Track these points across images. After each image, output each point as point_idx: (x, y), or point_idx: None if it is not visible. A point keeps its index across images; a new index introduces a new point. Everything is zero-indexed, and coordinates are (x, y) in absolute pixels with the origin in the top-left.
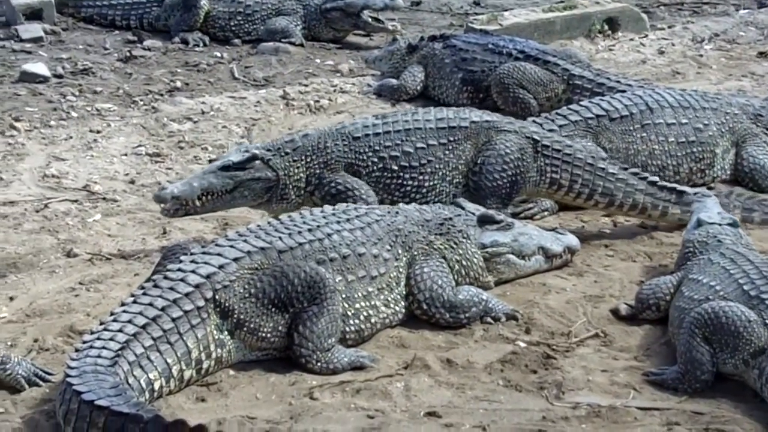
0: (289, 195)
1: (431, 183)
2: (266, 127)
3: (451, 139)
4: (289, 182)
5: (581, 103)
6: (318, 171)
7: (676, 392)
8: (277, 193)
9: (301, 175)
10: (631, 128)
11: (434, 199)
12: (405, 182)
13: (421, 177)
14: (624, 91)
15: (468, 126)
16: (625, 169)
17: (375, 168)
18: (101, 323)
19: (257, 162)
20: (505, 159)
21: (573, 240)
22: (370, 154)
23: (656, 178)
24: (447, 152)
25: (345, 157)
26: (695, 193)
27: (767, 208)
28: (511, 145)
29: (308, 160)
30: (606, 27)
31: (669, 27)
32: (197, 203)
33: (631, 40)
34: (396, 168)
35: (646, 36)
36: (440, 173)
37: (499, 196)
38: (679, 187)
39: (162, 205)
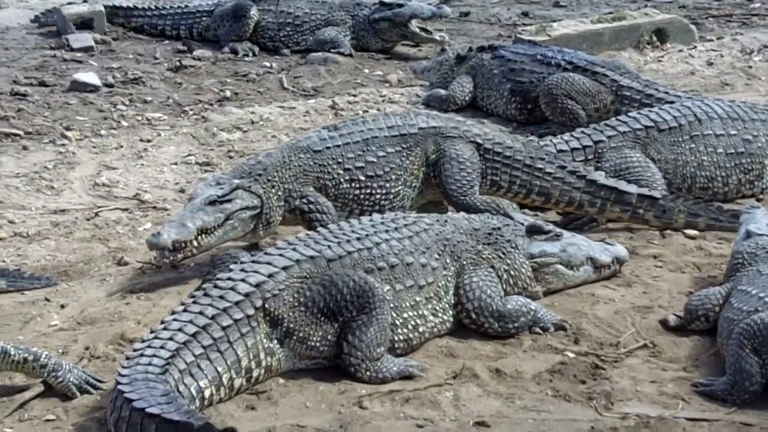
0: (273, 217)
1: (396, 189)
2: None
3: (404, 146)
4: (272, 204)
5: (630, 114)
6: (290, 186)
7: (725, 403)
8: (262, 219)
9: (279, 194)
10: (680, 139)
11: (399, 204)
12: (374, 191)
13: (387, 184)
14: (672, 103)
15: (416, 132)
16: (563, 167)
17: (342, 180)
18: (152, 331)
19: (240, 191)
20: (459, 160)
21: (621, 250)
22: (335, 166)
23: (598, 177)
24: (403, 158)
25: (311, 170)
26: (638, 195)
27: (712, 213)
28: (460, 148)
29: (280, 177)
30: (655, 38)
31: (718, 38)
32: (194, 243)
33: (680, 51)
34: (363, 178)
35: (695, 47)
36: (402, 179)
37: (469, 197)
38: (621, 188)
39: (159, 252)
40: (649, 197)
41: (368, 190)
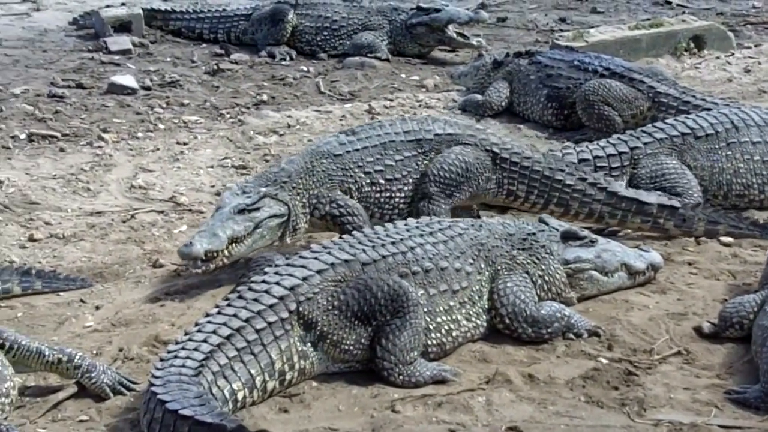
0: (299, 224)
1: (415, 194)
2: None
3: (420, 150)
4: (298, 212)
5: (667, 120)
6: (315, 191)
7: (759, 411)
8: (289, 226)
9: (304, 200)
10: (717, 146)
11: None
12: (393, 194)
13: (406, 188)
14: (709, 110)
15: (432, 138)
16: (584, 179)
17: (363, 183)
18: (186, 333)
19: (267, 199)
20: (452, 167)
21: (656, 257)
22: (356, 169)
23: (618, 188)
24: (419, 163)
25: (335, 174)
26: (658, 205)
27: (732, 221)
28: (464, 156)
29: (305, 183)
30: (692, 45)
31: (755, 45)
32: (225, 253)
33: (717, 58)
34: (383, 181)
35: (732, 54)
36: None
37: (444, 205)
38: (642, 198)
39: (192, 263)
40: (669, 207)
41: (388, 194)
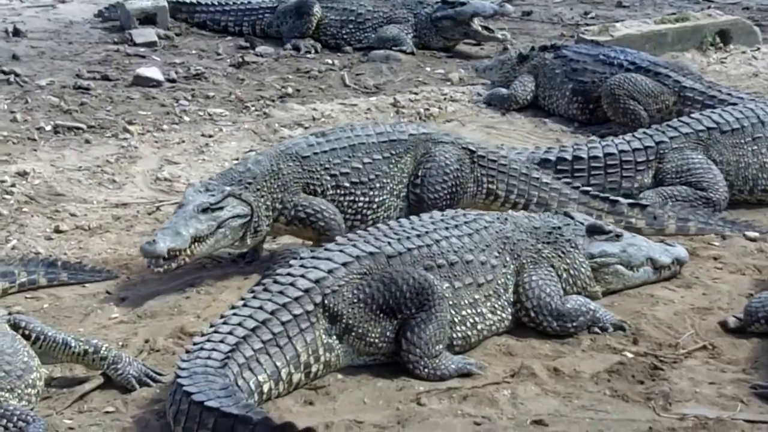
0: (261, 226)
1: (381, 198)
2: None
3: (393, 152)
4: (261, 213)
5: (692, 115)
6: (279, 195)
7: None
8: (251, 227)
9: (268, 203)
10: (742, 141)
11: (384, 214)
12: (357, 198)
13: (371, 192)
14: (735, 104)
15: (407, 138)
16: (558, 179)
17: (329, 186)
18: (211, 325)
19: (230, 198)
20: (445, 170)
21: (682, 252)
22: (322, 172)
23: (588, 189)
24: (390, 166)
25: (300, 177)
26: (628, 203)
27: (702, 218)
28: (450, 156)
29: (269, 186)
30: (718, 39)
31: None
32: (188, 252)
33: (743, 53)
34: (348, 185)
35: (758, 49)
36: (388, 187)
37: (440, 208)
38: (612, 197)
39: (154, 261)
40: (638, 205)
41: (352, 197)
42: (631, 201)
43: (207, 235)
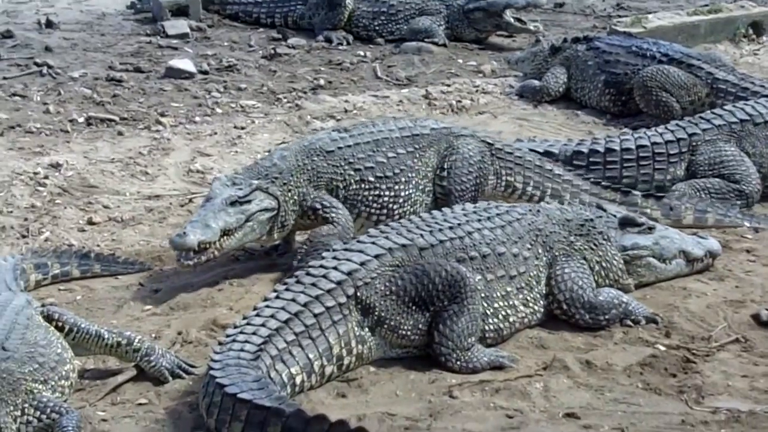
0: (288, 220)
1: (407, 192)
2: None
3: (416, 147)
4: (288, 207)
5: (725, 107)
6: (304, 190)
7: None
8: (278, 221)
9: (295, 197)
10: None
11: (410, 209)
12: (382, 193)
13: (396, 187)
14: None
15: (429, 133)
16: (569, 169)
17: (352, 180)
18: (244, 318)
19: (258, 192)
20: (470, 162)
21: (714, 244)
22: (346, 166)
23: (600, 180)
24: (415, 160)
25: (325, 171)
26: (642, 194)
27: (720, 210)
28: (473, 149)
29: (296, 180)
30: (751, 31)
31: None
32: (217, 245)
33: None
34: (372, 179)
35: None
36: (413, 182)
37: (467, 200)
38: (624, 188)
39: (184, 254)
40: (653, 196)
41: (377, 192)
42: (645, 192)
43: (235, 229)
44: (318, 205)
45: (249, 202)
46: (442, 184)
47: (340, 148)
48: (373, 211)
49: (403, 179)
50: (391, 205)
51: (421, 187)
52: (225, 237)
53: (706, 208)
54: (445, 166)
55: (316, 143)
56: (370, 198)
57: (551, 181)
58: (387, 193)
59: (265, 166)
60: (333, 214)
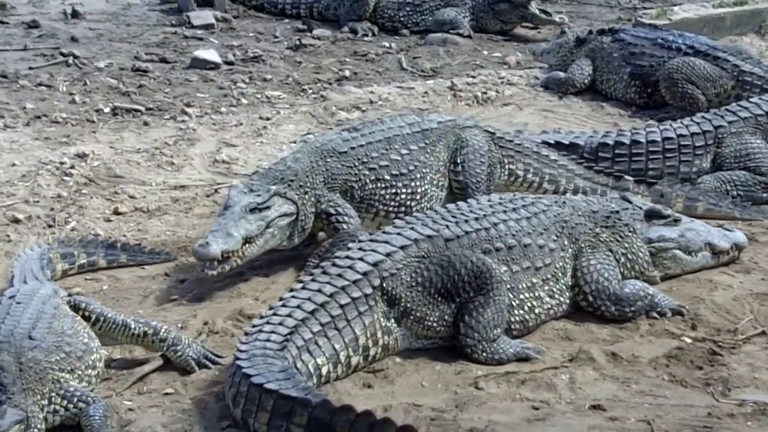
0: (307, 223)
1: (422, 188)
2: None
3: (427, 142)
4: (306, 210)
5: (751, 99)
6: (320, 191)
7: None
8: (297, 225)
9: (312, 199)
10: None
11: (426, 204)
12: (399, 191)
13: (413, 183)
14: None
15: (437, 127)
16: (564, 155)
17: (368, 180)
18: (270, 308)
19: (276, 198)
20: (480, 152)
21: (740, 237)
22: (361, 166)
23: (593, 164)
24: (427, 155)
25: (339, 172)
26: (635, 180)
27: (711, 199)
28: (480, 139)
29: (311, 182)
30: None
31: None
32: (240, 253)
33: None
34: (388, 177)
35: None
36: (428, 177)
37: (482, 191)
38: (617, 173)
39: (208, 264)
40: (645, 182)
41: (393, 190)
42: (637, 178)
43: (257, 236)
44: (332, 211)
45: (268, 208)
46: (458, 178)
47: (353, 148)
48: (391, 209)
49: (418, 175)
50: (408, 202)
51: (435, 182)
52: (247, 245)
53: (697, 197)
54: (458, 161)
55: (327, 144)
56: (387, 196)
57: (548, 167)
58: (404, 190)
59: (280, 170)
60: (344, 224)
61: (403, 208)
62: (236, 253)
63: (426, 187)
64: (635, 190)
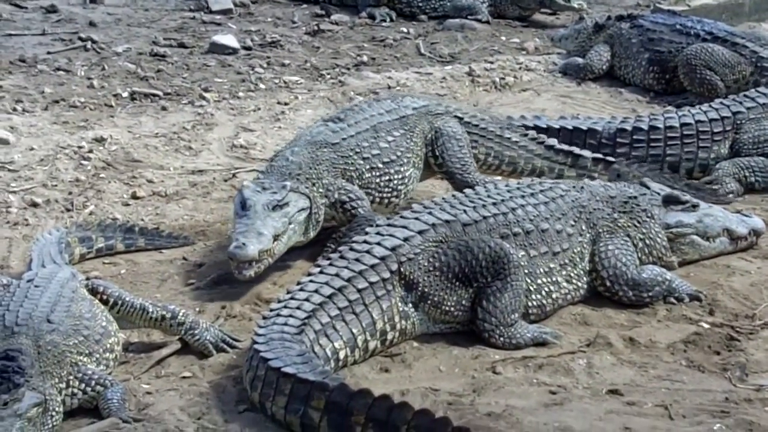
0: (320, 215)
1: (408, 171)
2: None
3: (406, 128)
4: (318, 202)
5: None
6: (326, 180)
7: None
8: (312, 218)
9: (321, 190)
10: None
11: (412, 187)
12: (392, 177)
13: (402, 168)
14: None
15: (412, 113)
16: (525, 135)
17: (364, 169)
18: (288, 292)
19: (292, 194)
20: (456, 137)
21: (758, 222)
22: (355, 156)
23: (554, 141)
24: (407, 141)
25: (337, 162)
26: (593, 158)
27: (667, 182)
28: (454, 125)
29: (316, 172)
30: None
31: None
32: (271, 252)
33: None
34: (381, 165)
35: None
36: (412, 161)
37: (471, 172)
38: (577, 151)
39: (245, 265)
40: (603, 161)
41: (387, 177)
42: (595, 156)
43: (282, 233)
44: (345, 198)
45: (287, 204)
46: (443, 169)
47: (344, 139)
48: (385, 195)
49: (405, 160)
50: (399, 187)
51: (415, 164)
52: (275, 242)
53: (653, 178)
54: (437, 153)
55: (318, 136)
56: (382, 183)
57: (509, 149)
58: (396, 176)
59: (285, 166)
60: (360, 209)
61: (395, 193)
62: (269, 252)
63: (411, 170)
64: (593, 169)
